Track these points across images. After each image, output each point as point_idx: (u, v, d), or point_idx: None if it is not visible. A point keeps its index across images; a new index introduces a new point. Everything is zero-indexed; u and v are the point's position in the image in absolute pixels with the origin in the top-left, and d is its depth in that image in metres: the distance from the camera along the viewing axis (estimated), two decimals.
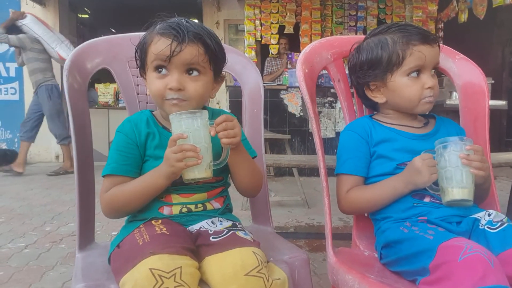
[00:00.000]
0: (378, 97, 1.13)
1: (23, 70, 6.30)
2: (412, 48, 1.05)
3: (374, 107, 1.21)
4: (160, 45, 0.95)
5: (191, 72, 0.98)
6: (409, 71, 1.06)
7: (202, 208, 1.02)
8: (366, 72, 1.12)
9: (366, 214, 1.24)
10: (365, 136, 1.11)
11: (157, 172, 0.93)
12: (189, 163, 0.87)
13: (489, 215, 0.98)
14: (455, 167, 0.94)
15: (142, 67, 1.04)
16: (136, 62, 1.05)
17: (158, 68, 0.98)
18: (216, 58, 1.01)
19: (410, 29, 1.07)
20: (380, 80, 1.10)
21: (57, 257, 2.26)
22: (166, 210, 1.00)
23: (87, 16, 8.24)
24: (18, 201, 3.67)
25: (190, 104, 0.98)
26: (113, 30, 9.14)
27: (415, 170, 0.99)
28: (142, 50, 1.01)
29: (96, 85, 6.31)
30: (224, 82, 5.97)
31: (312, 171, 4.76)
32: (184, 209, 1.00)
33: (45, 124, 6.48)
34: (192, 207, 1.01)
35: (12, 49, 6.27)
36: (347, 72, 1.30)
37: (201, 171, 0.89)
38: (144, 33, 1.03)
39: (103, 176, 0.99)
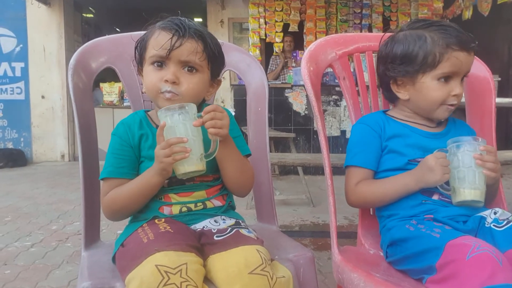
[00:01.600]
0: (402, 93, 1.10)
1: (29, 70, 6.36)
2: (450, 53, 1.00)
3: (392, 100, 1.18)
4: (160, 39, 0.96)
5: (188, 68, 0.98)
6: (441, 76, 1.02)
7: (202, 207, 1.01)
8: (397, 66, 1.07)
9: (371, 212, 1.23)
10: (378, 129, 1.10)
11: (150, 171, 0.94)
12: (177, 157, 0.87)
13: (495, 213, 0.97)
14: (468, 168, 0.93)
15: (141, 63, 1.04)
16: (135, 58, 1.05)
17: (155, 61, 0.98)
18: (214, 58, 1.01)
19: (451, 31, 1.02)
20: (409, 77, 1.07)
21: (63, 256, 2.27)
22: (166, 210, 1.00)
23: (92, 15, 8.26)
24: (24, 200, 3.69)
25: (183, 100, 0.96)
26: (117, 29, 9.16)
27: (427, 169, 0.98)
28: (142, 46, 1.02)
29: (101, 84, 6.33)
30: (228, 81, 6.03)
31: (317, 170, 4.75)
32: (184, 209, 1.00)
33: (50, 123, 6.53)
34: (192, 206, 1.00)
35: (18, 48, 6.33)
36: (352, 70, 1.29)
37: (191, 164, 0.88)
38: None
39: (101, 180, 1.00)
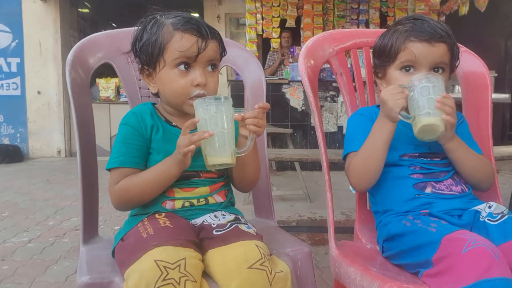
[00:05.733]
0: (383, 85, 1.14)
1: (25, 65, 6.32)
2: (407, 44, 1.04)
3: None
4: (185, 43, 0.95)
5: (212, 67, 1.00)
6: (401, 66, 1.06)
7: (204, 202, 1.02)
8: (375, 59, 1.14)
9: (368, 206, 1.24)
10: (372, 120, 1.11)
11: (168, 161, 0.94)
12: (196, 139, 0.86)
13: (489, 207, 0.98)
14: (426, 96, 0.93)
15: (152, 64, 0.99)
16: (139, 57, 1.00)
17: (182, 63, 0.96)
18: (223, 53, 1.05)
19: (418, 23, 1.04)
20: (383, 69, 1.11)
21: (61, 251, 2.27)
22: (168, 205, 1.00)
23: (87, 10, 8.21)
24: (21, 196, 3.69)
25: None
26: (114, 24, 9.11)
27: (382, 102, 1.00)
28: (155, 47, 0.96)
29: (98, 80, 6.30)
30: (225, 76, 6.02)
31: (314, 165, 4.76)
32: (187, 203, 1.01)
33: (46, 119, 6.50)
34: (195, 201, 1.01)
35: (14, 44, 6.29)
36: (349, 65, 1.30)
37: (227, 156, 0.87)
38: (139, 27, 1.00)
39: (110, 170, 0.98)
